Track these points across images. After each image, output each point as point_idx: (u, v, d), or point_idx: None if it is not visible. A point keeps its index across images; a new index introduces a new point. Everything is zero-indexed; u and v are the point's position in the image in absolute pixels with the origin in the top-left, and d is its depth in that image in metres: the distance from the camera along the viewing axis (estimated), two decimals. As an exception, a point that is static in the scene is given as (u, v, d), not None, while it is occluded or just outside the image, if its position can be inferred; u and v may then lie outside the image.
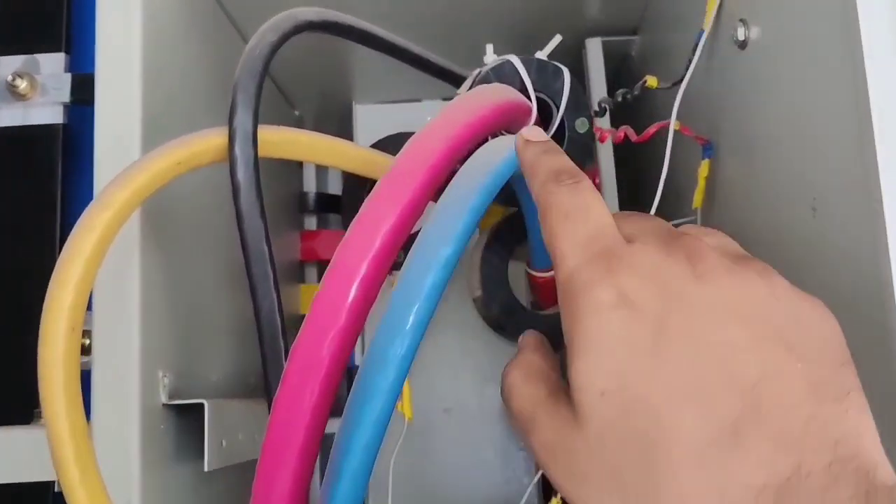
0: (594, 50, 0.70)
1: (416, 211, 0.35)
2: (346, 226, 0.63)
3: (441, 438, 0.68)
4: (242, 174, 0.42)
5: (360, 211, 0.35)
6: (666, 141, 0.53)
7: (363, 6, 0.67)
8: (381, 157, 0.51)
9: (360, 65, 0.82)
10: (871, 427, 0.24)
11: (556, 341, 0.58)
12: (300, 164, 0.93)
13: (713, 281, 0.25)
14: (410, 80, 0.87)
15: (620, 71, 0.76)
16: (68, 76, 0.58)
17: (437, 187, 0.36)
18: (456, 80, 0.58)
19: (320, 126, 0.95)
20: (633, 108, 0.56)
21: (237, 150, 0.42)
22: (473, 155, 0.35)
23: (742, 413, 0.23)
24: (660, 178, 0.63)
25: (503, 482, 0.66)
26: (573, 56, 0.73)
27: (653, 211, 0.49)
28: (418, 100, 0.87)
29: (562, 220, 0.28)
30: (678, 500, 0.22)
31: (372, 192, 0.35)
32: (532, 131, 0.34)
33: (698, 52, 0.46)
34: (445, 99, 0.87)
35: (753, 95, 0.46)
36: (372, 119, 0.87)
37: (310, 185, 0.94)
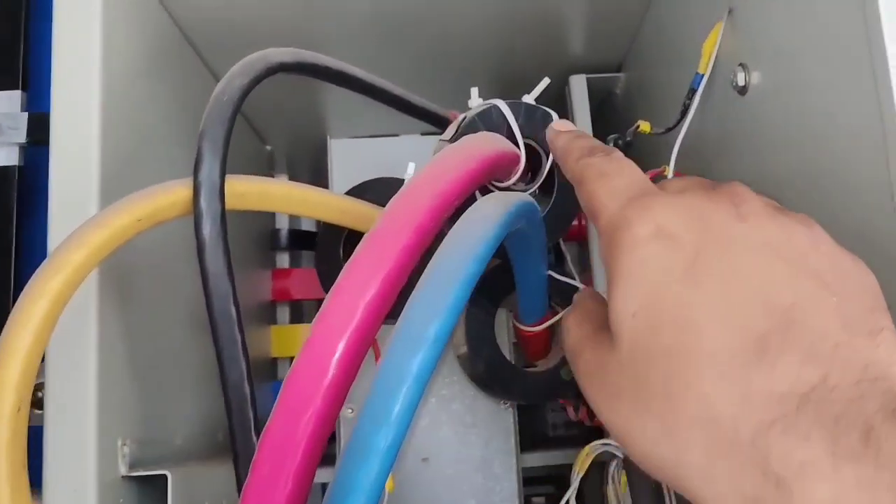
0: (578, 87, 0.68)
1: (400, 277, 0.32)
2: (319, 265, 0.60)
3: (419, 489, 0.65)
4: (208, 230, 0.38)
5: (338, 278, 0.31)
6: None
7: (344, 48, 0.65)
8: (360, 206, 0.48)
9: (335, 99, 0.79)
10: None
11: (545, 397, 0.56)
12: (272, 200, 0.90)
13: (755, 221, 0.26)
14: (387, 114, 0.84)
15: (604, 108, 0.74)
16: (24, 115, 0.55)
17: (423, 249, 0.33)
18: (438, 121, 0.56)
19: (294, 161, 0.93)
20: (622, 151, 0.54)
21: (203, 204, 0.38)
22: (463, 217, 0.32)
23: (771, 330, 0.23)
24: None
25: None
26: (557, 93, 0.70)
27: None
28: (396, 135, 0.84)
29: (597, 178, 0.30)
30: (700, 402, 0.23)
31: (352, 256, 0.32)
32: (561, 123, 0.37)
33: (697, 98, 0.44)
34: (424, 134, 0.84)
35: (755, 142, 0.43)
36: (348, 154, 0.83)
37: (282, 222, 0.91)
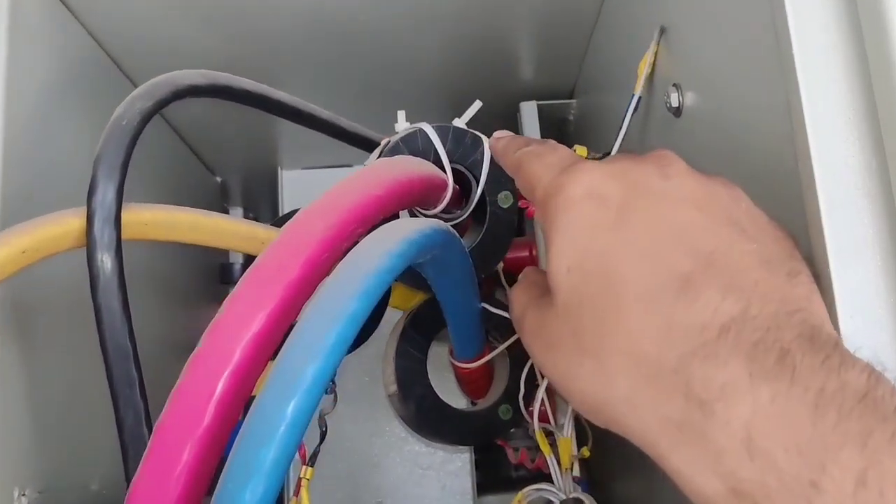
0: (529, 113, 0.66)
1: (285, 315, 0.29)
2: None
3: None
4: (101, 261, 0.36)
5: (217, 314, 0.29)
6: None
7: (280, 73, 0.63)
8: (269, 234, 0.45)
9: (285, 129, 0.76)
10: (820, 301, 0.25)
11: (482, 439, 0.53)
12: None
13: (679, 180, 0.27)
14: (339, 145, 0.83)
15: (561, 135, 0.72)
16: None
17: (315, 283, 0.31)
18: (369, 146, 0.53)
19: (248, 193, 0.91)
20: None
21: (96, 232, 0.36)
22: (355, 248, 0.30)
23: (694, 270, 0.25)
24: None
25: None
26: (509, 120, 0.68)
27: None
28: (349, 165, 0.82)
29: (533, 159, 0.32)
30: (626, 336, 0.25)
31: (232, 291, 0.29)
32: (502, 132, 0.40)
33: (627, 119, 0.42)
34: (377, 164, 0.82)
35: (694, 164, 0.41)
36: (299, 185, 0.81)
37: (236, 256, 0.88)
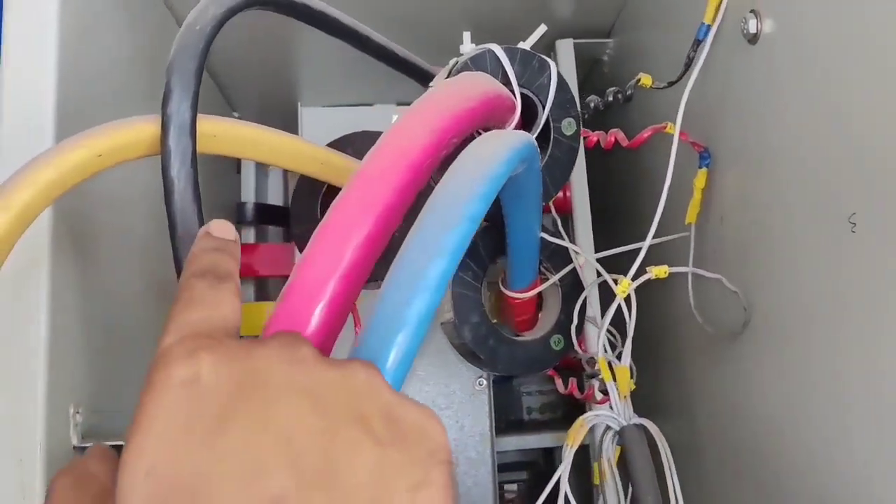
0: (565, 51, 0.65)
1: (393, 219, 0.29)
2: (292, 239, 0.56)
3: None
4: (177, 170, 0.35)
5: (325, 218, 0.28)
6: (655, 148, 0.47)
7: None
8: (343, 160, 0.45)
9: (308, 63, 0.75)
10: None
11: (534, 368, 0.53)
12: (238, 170, 0.85)
13: (304, 366, 0.24)
14: (362, 81, 0.81)
15: (591, 75, 0.71)
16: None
17: (417, 190, 0.30)
18: (421, 76, 0.52)
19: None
20: (604, 113, 0.51)
21: (171, 141, 0.35)
22: (466, 150, 0.29)
23: (292, 489, 0.21)
24: (646, 187, 0.58)
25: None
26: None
27: (652, 230, 0.43)
28: (370, 104, 0.81)
29: (184, 304, 0.26)
30: None
31: (340, 195, 0.28)
32: (221, 226, 0.31)
33: (706, 48, 0.41)
34: (400, 104, 0.81)
35: (767, 96, 0.40)
36: (319, 123, 0.80)
37: (248, 195, 0.86)
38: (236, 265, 0.29)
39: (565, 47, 0.65)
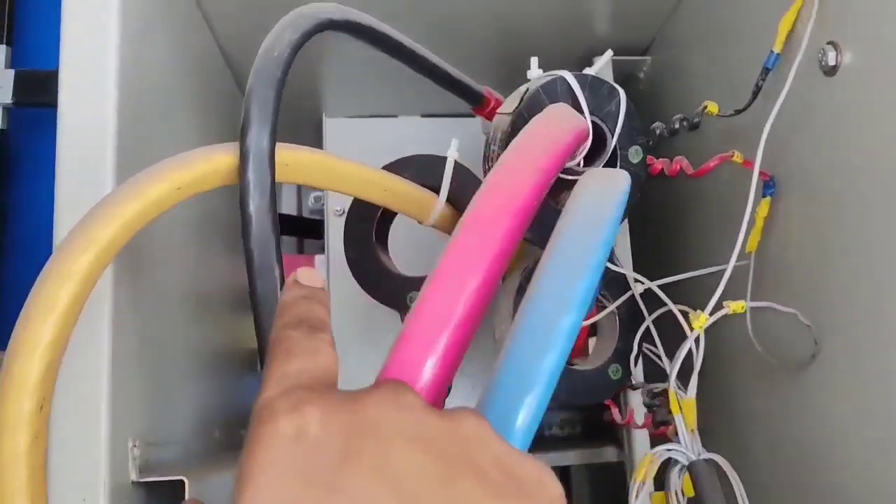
0: (604, 69, 0.64)
1: (503, 264, 0.28)
2: (348, 250, 0.54)
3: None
4: (257, 203, 0.33)
5: (439, 265, 0.27)
6: (718, 176, 0.47)
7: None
8: (404, 185, 0.44)
9: (333, 74, 0.74)
10: None
11: (593, 397, 0.52)
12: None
13: (414, 414, 0.23)
14: (385, 93, 0.80)
15: (629, 91, 0.70)
16: (10, 73, 0.48)
17: (524, 233, 0.29)
18: (470, 96, 0.51)
19: (288, 139, 0.87)
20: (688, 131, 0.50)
21: (251, 173, 0.34)
22: (581, 191, 0.28)
23: None
24: (694, 215, 0.57)
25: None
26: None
27: (732, 260, 0.42)
28: (395, 115, 0.80)
29: (282, 355, 0.25)
30: None
31: (453, 241, 0.27)
32: (309, 274, 0.29)
33: (789, 80, 0.41)
34: (424, 116, 0.80)
35: (841, 128, 0.40)
36: (344, 134, 0.78)
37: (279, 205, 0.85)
38: (328, 314, 0.28)
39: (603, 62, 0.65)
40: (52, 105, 0.38)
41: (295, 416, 0.22)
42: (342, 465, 0.22)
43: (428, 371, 0.26)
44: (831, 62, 0.40)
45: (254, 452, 0.22)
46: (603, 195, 0.28)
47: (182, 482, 0.39)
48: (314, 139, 0.79)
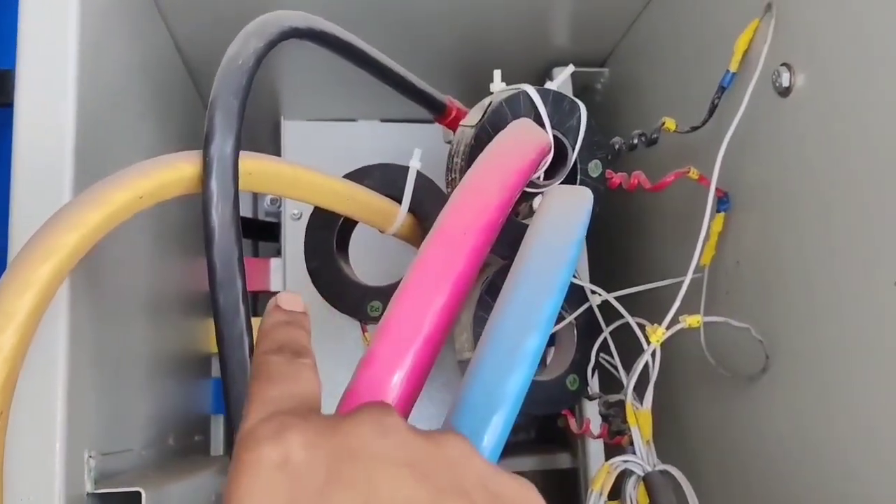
0: (562, 79, 0.65)
1: (469, 281, 0.28)
2: (309, 261, 0.53)
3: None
4: (220, 212, 0.33)
5: (404, 282, 0.27)
6: (674, 191, 0.48)
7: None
8: (366, 195, 0.44)
9: (292, 76, 0.73)
10: None
11: (550, 408, 0.53)
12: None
13: (397, 437, 0.23)
14: (345, 97, 0.79)
15: (586, 103, 0.71)
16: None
17: (490, 248, 0.29)
18: (434, 106, 0.51)
19: (247, 141, 0.86)
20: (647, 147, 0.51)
21: (214, 183, 0.33)
22: (545, 211, 0.28)
23: None
24: (648, 229, 0.58)
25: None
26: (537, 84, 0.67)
27: (683, 290, 0.43)
28: (354, 119, 0.79)
29: (264, 381, 0.26)
30: None
31: (419, 257, 0.28)
32: (290, 299, 0.29)
33: (746, 100, 0.42)
34: (384, 120, 0.80)
35: (796, 148, 0.41)
36: (302, 137, 0.78)
37: (245, 211, 0.85)
38: (309, 339, 0.28)
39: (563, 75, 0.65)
40: (8, 104, 0.38)
41: (279, 443, 0.22)
42: (328, 490, 0.22)
43: (395, 388, 0.26)
44: (785, 83, 0.41)
45: (239, 481, 0.22)
46: (567, 216, 0.28)
47: (139, 494, 0.38)
48: (272, 141, 0.79)
